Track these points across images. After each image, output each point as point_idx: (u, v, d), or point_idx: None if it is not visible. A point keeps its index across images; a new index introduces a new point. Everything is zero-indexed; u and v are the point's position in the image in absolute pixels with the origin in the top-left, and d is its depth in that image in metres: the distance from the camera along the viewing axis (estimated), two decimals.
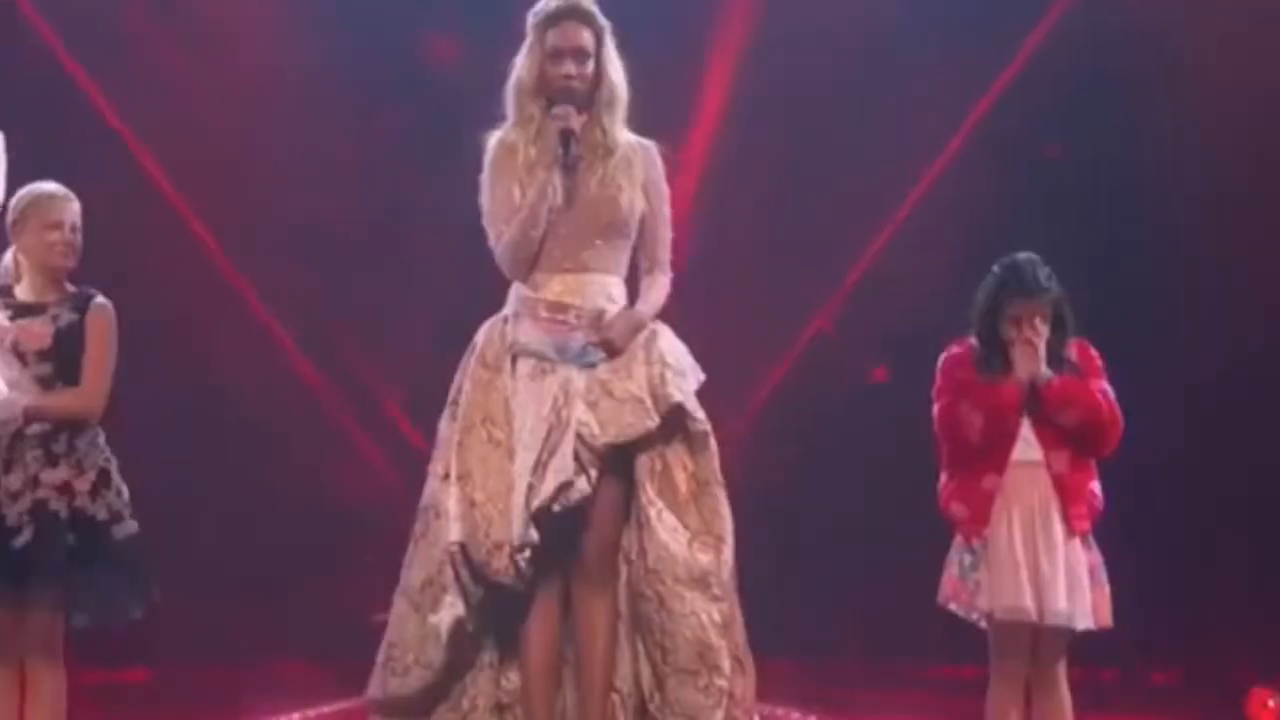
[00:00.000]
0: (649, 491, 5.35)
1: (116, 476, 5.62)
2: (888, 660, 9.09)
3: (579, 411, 5.31)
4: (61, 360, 5.62)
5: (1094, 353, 5.89)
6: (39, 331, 5.63)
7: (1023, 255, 5.84)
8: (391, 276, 9.63)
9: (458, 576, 5.32)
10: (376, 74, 9.60)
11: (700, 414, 5.42)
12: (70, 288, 5.74)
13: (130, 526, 5.59)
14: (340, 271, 9.55)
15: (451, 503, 5.33)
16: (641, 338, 5.43)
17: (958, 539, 5.78)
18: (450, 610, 5.33)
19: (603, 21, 5.54)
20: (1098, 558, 5.77)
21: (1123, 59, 9.23)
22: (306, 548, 9.21)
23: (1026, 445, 5.75)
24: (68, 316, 5.66)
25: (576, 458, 5.28)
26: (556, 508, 5.27)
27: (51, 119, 8.79)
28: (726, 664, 5.34)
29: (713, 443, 5.43)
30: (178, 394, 9.08)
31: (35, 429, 5.55)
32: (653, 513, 5.33)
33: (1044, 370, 5.74)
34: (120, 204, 8.48)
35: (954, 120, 9.59)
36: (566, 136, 5.43)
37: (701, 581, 5.33)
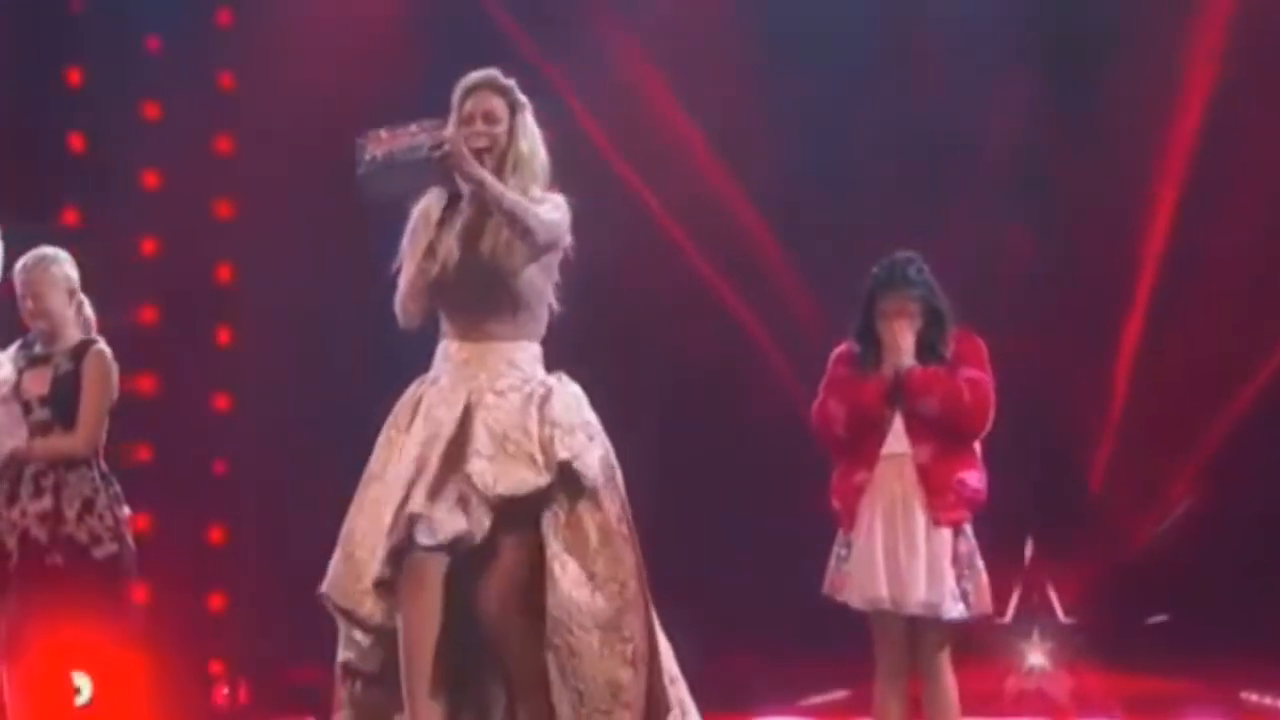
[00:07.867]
0: (554, 546, 5.53)
1: (102, 504, 6.34)
2: None
3: (476, 464, 5.51)
4: (58, 406, 6.37)
5: (977, 342, 5.91)
6: (39, 379, 6.41)
7: (901, 254, 5.91)
8: None
9: (338, 624, 5.72)
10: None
11: (590, 471, 5.53)
12: (79, 337, 6.49)
13: (109, 548, 6.32)
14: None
15: (334, 558, 5.70)
16: (537, 396, 5.59)
17: (840, 532, 5.89)
18: (344, 651, 5.70)
19: (520, 98, 5.78)
20: (971, 546, 5.77)
21: None
22: None
23: (895, 437, 5.82)
24: (66, 366, 6.42)
25: (471, 508, 5.51)
26: (426, 541, 5.45)
27: None
28: (640, 700, 5.48)
29: (603, 496, 5.56)
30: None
31: (33, 468, 6.35)
32: (556, 566, 5.51)
33: (906, 361, 5.79)
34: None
35: None
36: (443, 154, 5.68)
37: (609, 625, 5.50)
